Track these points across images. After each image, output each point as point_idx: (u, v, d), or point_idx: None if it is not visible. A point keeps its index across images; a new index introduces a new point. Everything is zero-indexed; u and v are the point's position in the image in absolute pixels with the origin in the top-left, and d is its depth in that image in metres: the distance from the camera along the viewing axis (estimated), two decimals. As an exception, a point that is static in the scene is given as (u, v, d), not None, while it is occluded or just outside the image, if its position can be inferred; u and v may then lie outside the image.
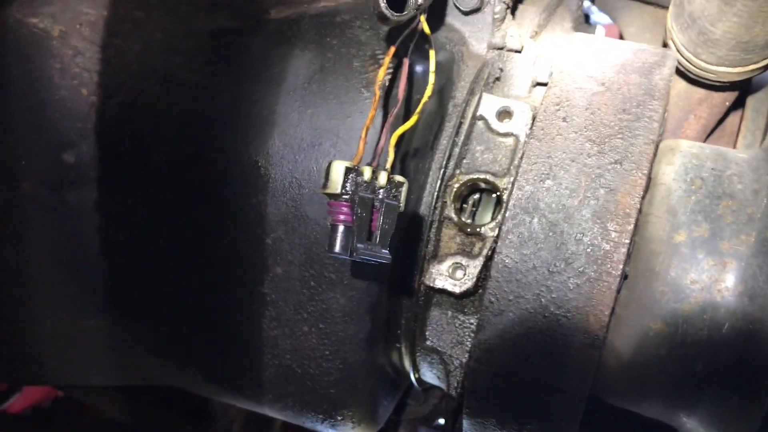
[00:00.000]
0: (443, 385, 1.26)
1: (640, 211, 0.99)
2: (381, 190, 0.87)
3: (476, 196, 1.19)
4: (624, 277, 1.05)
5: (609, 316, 0.95)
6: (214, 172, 1.07)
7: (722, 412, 1.03)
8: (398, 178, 0.88)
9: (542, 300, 0.98)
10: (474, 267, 1.09)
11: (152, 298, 1.18)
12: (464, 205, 1.18)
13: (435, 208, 1.12)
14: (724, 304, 1.01)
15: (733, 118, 1.61)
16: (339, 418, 1.17)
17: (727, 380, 1.01)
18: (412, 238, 1.12)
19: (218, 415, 1.82)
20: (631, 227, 0.95)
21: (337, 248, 0.83)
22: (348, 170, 0.84)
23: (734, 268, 1.01)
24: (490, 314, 1.00)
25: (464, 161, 1.14)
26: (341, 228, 0.83)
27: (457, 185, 1.13)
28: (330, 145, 1.00)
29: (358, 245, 0.82)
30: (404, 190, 0.89)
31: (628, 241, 0.95)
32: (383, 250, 0.85)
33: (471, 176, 1.12)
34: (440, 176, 1.12)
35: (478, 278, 1.09)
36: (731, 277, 1.01)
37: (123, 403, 1.63)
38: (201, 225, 1.09)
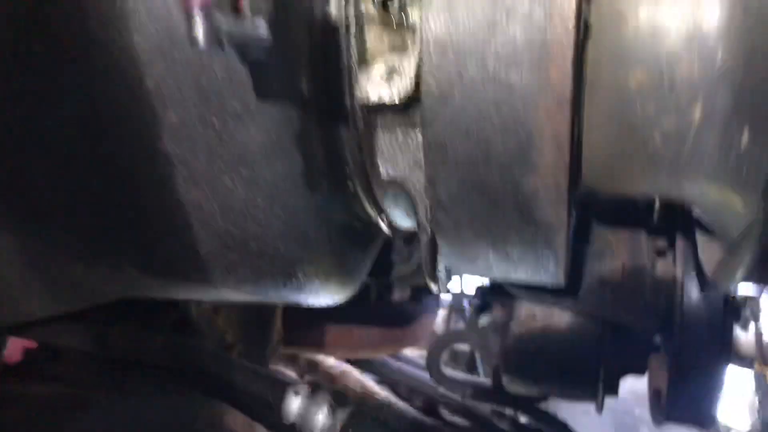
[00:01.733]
0: (414, 221, 1.09)
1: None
2: (243, -44, 0.66)
3: (401, -11, 0.97)
4: (586, 26, 0.86)
5: (573, 62, 0.76)
6: (65, 19, 0.86)
7: (733, 156, 0.85)
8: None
9: (489, 67, 0.78)
10: (409, 64, 0.90)
11: (53, 191, 0.99)
12: (389, 2, 0.98)
13: (347, 2, 0.91)
14: (712, 27, 0.82)
15: None
16: (301, 276, 1.01)
17: (734, 115, 0.82)
18: (329, 50, 0.92)
19: (204, 329, 1.68)
20: (579, -57, 0.75)
21: (200, 37, 0.63)
22: (189, -69, 0.63)
23: (719, -23, 0.81)
24: (432, 102, 0.82)
25: (371, -63, 0.92)
26: (198, 12, 0.63)
27: (369, -29, 0.91)
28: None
29: (221, 21, 0.62)
30: (275, -49, 0.68)
31: (578, -39, 0.74)
32: (257, 24, 0.65)
33: (383, -46, 0.91)
34: (344, -39, 0.90)
35: (417, 75, 0.90)
36: (717, -10, 0.81)
37: (92, 337, 1.49)
38: (70, 88, 0.89)
